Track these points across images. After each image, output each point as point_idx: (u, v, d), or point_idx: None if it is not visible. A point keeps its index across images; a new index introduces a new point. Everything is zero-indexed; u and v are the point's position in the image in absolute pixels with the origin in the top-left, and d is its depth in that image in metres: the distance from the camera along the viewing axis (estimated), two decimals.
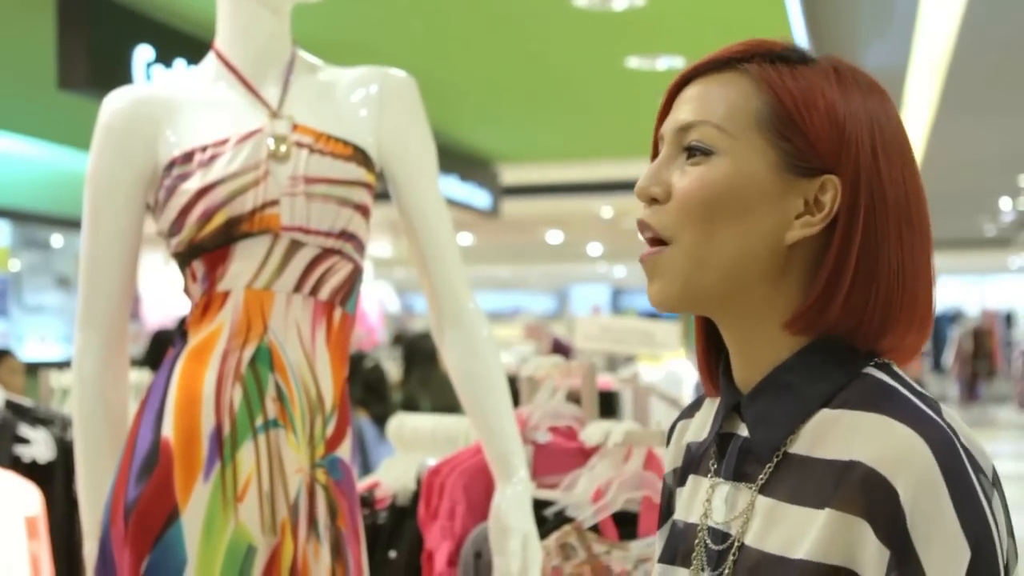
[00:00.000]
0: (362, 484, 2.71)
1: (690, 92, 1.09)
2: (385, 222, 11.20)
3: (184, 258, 2.03)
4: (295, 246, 2.00)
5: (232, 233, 1.98)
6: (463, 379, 2.17)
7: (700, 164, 1.06)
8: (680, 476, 1.20)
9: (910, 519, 0.95)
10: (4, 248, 7.70)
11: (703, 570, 1.09)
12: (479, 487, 2.45)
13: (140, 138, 2.06)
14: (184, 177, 2.00)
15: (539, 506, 2.39)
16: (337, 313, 2.05)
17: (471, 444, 2.66)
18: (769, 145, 1.05)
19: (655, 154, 1.12)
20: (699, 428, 1.19)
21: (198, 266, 2.01)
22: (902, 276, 1.05)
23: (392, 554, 2.63)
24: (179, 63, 5.10)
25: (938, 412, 1.01)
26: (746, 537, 1.05)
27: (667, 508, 1.23)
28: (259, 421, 1.97)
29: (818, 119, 1.04)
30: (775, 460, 1.05)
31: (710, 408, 1.19)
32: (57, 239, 7.97)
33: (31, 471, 3.67)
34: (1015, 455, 12.63)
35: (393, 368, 8.36)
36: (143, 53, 4.94)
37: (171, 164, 2.02)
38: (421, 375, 7.25)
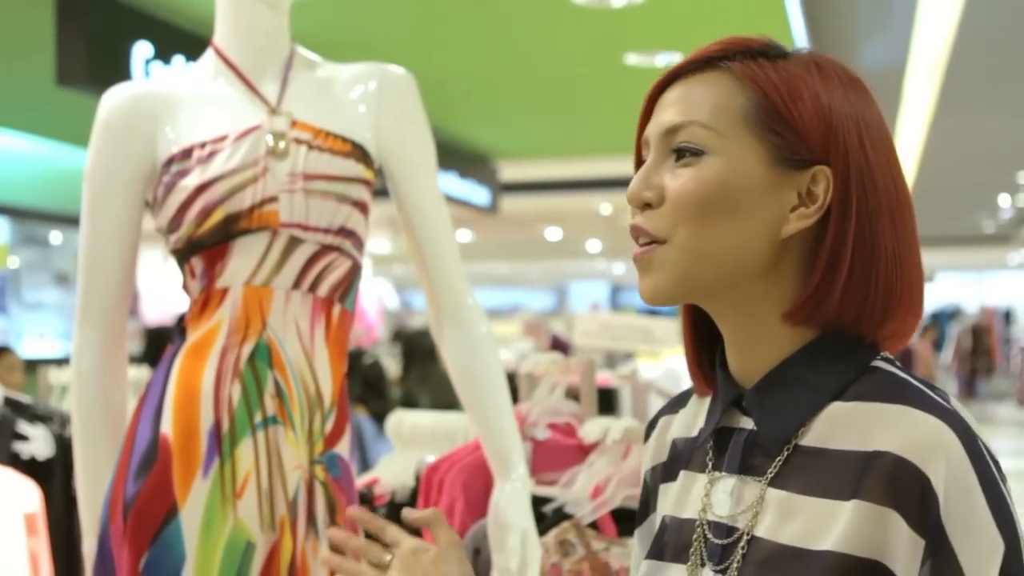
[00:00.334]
0: (361, 481, 2.71)
1: (672, 95, 1.09)
2: (384, 219, 11.21)
3: (183, 255, 2.03)
4: (294, 243, 2.00)
5: (231, 229, 1.98)
6: (462, 376, 2.17)
7: (691, 165, 1.05)
8: (665, 472, 1.19)
9: (943, 507, 0.95)
10: (3, 245, 7.69)
11: (703, 565, 1.08)
12: (478, 484, 2.46)
13: (139, 134, 2.06)
14: (183, 173, 2.00)
15: (538, 503, 2.39)
16: (336, 310, 2.05)
17: (470, 441, 2.66)
18: (758, 140, 1.05)
19: (638, 160, 1.12)
20: (686, 424, 1.19)
21: (197, 263, 2.01)
22: (898, 261, 1.05)
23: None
24: (178, 60, 5.11)
25: (949, 403, 1.02)
26: (757, 530, 1.04)
27: (646, 505, 1.22)
28: (258, 418, 1.97)
29: (805, 111, 1.04)
30: (785, 453, 1.05)
31: (697, 405, 1.18)
32: (56, 236, 7.96)
33: (30, 468, 3.67)
34: (1014, 452, 12.63)
35: (392, 365, 8.37)
36: (142, 49, 4.94)
37: (170, 160, 2.02)
38: (420, 372, 7.26)
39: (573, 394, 2.75)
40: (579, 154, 10.00)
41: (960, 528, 0.95)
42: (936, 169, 10.48)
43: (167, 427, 1.96)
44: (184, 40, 5.17)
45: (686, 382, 1.22)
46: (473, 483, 2.47)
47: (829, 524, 0.99)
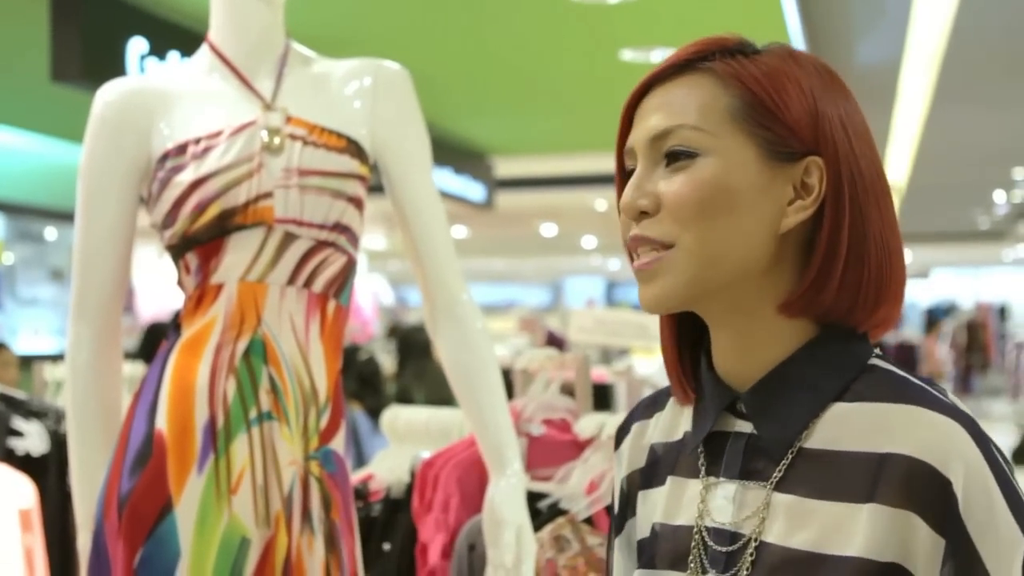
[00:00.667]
0: (356, 476, 2.71)
1: (653, 101, 1.07)
2: (379, 214, 11.20)
3: (178, 251, 2.02)
4: (289, 238, 2.00)
5: (226, 225, 1.98)
6: (457, 371, 2.17)
7: (685, 168, 1.04)
8: (644, 478, 1.17)
9: (963, 506, 0.95)
10: None
11: (704, 572, 1.06)
12: (473, 479, 2.46)
13: (133, 130, 2.05)
14: (178, 169, 2.00)
15: (533, 498, 2.40)
16: (331, 306, 2.05)
17: (465, 437, 2.66)
18: (748, 137, 1.04)
19: (619, 171, 1.10)
20: (666, 428, 1.16)
21: (192, 259, 2.01)
22: (887, 249, 1.05)
23: (386, 546, 2.64)
24: (173, 55, 5.10)
25: (948, 399, 1.02)
26: (766, 535, 1.03)
27: (623, 513, 1.19)
28: (253, 413, 1.97)
29: (792, 103, 1.04)
30: (789, 456, 1.03)
31: (675, 409, 1.16)
32: (51, 232, 7.95)
33: (25, 464, 3.67)
34: (1009, 448, 12.64)
35: (387, 361, 8.38)
36: (137, 45, 4.93)
37: (164, 156, 2.02)
38: (415, 368, 7.26)
39: (568, 390, 2.75)
40: (575, 150, 10.00)
41: (980, 526, 0.95)
42: (931, 165, 10.49)
43: (162, 423, 1.96)
44: (179, 36, 5.17)
45: None
46: (468, 479, 2.48)
47: (846, 529, 0.98)
